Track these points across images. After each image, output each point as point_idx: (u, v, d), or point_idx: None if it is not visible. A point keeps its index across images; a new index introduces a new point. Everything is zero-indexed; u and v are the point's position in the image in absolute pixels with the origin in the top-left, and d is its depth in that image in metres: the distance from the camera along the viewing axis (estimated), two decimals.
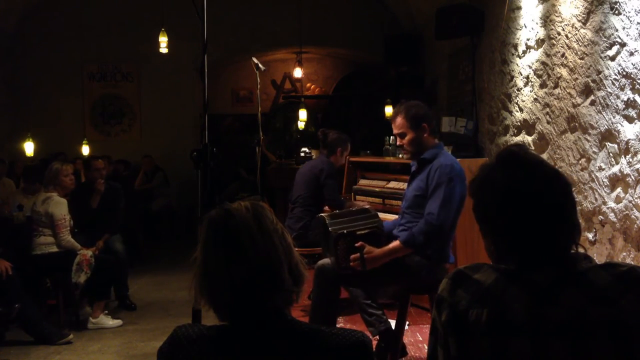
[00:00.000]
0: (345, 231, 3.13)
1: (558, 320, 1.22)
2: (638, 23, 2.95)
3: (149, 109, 9.56)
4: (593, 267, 1.29)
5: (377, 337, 3.63)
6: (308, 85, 11.26)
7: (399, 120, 3.30)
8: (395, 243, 3.17)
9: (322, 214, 3.38)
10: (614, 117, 3.19)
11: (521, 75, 4.60)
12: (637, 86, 2.97)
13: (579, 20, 3.58)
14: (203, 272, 1.33)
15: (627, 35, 3.04)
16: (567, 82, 3.76)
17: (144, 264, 7.10)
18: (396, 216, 3.70)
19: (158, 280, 6.41)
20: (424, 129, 3.27)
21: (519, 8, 4.60)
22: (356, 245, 3.11)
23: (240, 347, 1.29)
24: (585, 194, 3.50)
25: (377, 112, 8.38)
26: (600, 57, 3.32)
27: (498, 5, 5.06)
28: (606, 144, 3.28)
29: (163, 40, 7.33)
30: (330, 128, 5.33)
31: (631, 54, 3.01)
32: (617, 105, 3.15)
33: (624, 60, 3.07)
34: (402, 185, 4.70)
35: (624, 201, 3.10)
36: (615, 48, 3.17)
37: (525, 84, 4.52)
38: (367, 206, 3.43)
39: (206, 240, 1.33)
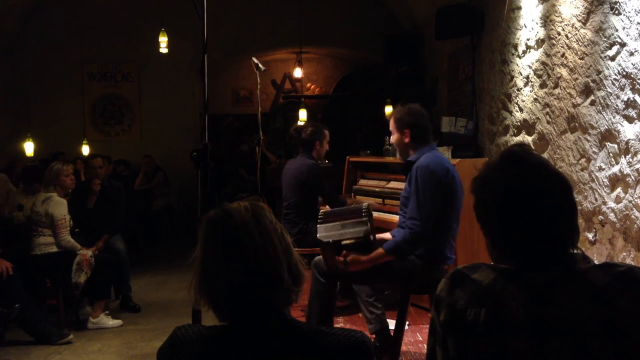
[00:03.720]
0: (330, 240, 3.16)
1: (556, 320, 1.22)
2: (638, 23, 2.95)
3: (149, 109, 9.56)
4: (591, 267, 1.29)
5: (374, 335, 3.66)
6: (308, 85, 11.26)
7: (392, 119, 3.44)
8: (379, 251, 3.19)
9: (320, 212, 3.39)
10: (614, 117, 3.19)
11: (521, 75, 4.60)
12: (637, 86, 2.97)
13: (579, 20, 3.58)
14: (202, 272, 1.33)
15: (627, 35, 3.04)
16: (567, 82, 3.76)
17: (144, 264, 7.11)
18: (394, 226, 3.73)
19: (158, 280, 6.41)
20: (405, 134, 3.34)
21: (519, 8, 4.60)
22: (342, 254, 3.16)
23: (239, 348, 1.29)
24: (585, 194, 3.50)
25: (377, 112, 8.38)
26: (600, 57, 3.32)
27: (498, 5, 5.06)
28: (606, 144, 3.28)
29: (163, 40, 7.33)
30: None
31: (631, 54, 3.01)
32: (617, 105, 3.15)
33: (624, 60, 3.07)
34: (402, 185, 4.69)
35: (624, 201, 3.10)
36: (615, 48, 3.17)
37: (525, 84, 4.52)
38: (365, 205, 3.41)
39: (205, 241, 1.33)
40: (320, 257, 3.35)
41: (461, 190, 3.30)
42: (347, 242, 3.16)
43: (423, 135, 3.36)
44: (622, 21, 3.08)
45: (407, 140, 3.34)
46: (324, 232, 3.20)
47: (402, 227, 3.29)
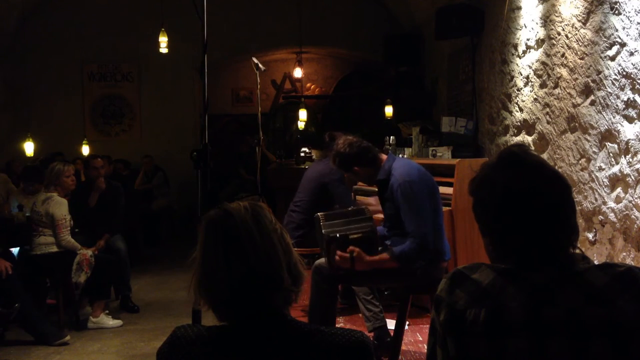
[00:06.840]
0: (337, 235, 3.16)
1: (556, 320, 1.22)
2: (638, 23, 2.95)
3: (149, 109, 9.56)
4: (590, 268, 1.29)
5: (372, 333, 3.68)
6: (308, 85, 11.25)
7: (340, 171, 3.54)
8: (384, 256, 3.19)
9: (318, 214, 3.37)
10: (614, 117, 3.19)
11: (521, 75, 4.60)
12: (637, 86, 2.97)
13: (579, 20, 3.58)
14: (202, 272, 1.32)
15: (627, 35, 3.05)
16: (567, 82, 3.76)
17: (144, 264, 7.10)
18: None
19: (158, 280, 6.41)
20: (358, 169, 3.34)
21: (519, 8, 4.60)
22: (347, 250, 3.14)
23: (239, 348, 1.29)
24: (585, 194, 3.50)
25: (377, 112, 8.38)
26: (600, 57, 3.32)
27: (498, 5, 5.06)
28: (606, 144, 3.28)
29: (163, 40, 7.33)
30: (334, 129, 5.24)
31: (631, 54, 3.01)
32: (617, 105, 3.15)
33: (624, 60, 3.07)
34: None
35: (624, 201, 3.11)
36: (615, 48, 3.17)
37: (525, 84, 4.52)
38: (362, 207, 3.43)
39: (205, 241, 1.33)
40: (322, 260, 3.34)
41: (435, 182, 3.37)
42: (355, 236, 3.17)
43: (371, 155, 3.35)
44: (622, 21, 3.08)
45: (360, 169, 3.34)
46: (329, 228, 3.20)
47: (393, 239, 3.32)
